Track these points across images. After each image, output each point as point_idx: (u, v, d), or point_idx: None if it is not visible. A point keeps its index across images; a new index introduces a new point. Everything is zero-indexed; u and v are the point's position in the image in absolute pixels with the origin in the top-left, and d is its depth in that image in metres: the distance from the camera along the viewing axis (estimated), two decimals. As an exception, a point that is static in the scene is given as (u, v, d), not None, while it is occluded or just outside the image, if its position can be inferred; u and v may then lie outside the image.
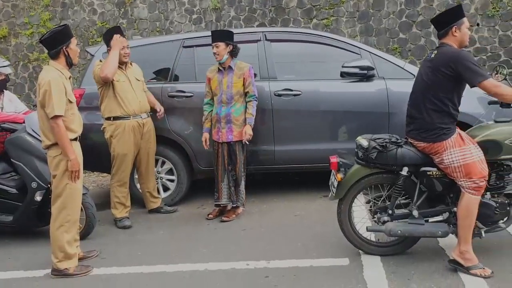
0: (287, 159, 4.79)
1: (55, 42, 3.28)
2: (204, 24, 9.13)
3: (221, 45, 4.17)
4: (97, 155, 4.51)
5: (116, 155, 4.33)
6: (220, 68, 4.26)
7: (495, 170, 3.08)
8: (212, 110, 4.36)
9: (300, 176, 5.68)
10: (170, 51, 4.91)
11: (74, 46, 3.33)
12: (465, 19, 3.00)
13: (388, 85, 4.60)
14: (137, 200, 4.81)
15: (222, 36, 4.24)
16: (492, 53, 8.31)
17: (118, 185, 4.40)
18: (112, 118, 4.29)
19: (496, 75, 3.42)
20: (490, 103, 3.36)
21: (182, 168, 4.81)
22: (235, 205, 4.38)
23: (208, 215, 4.46)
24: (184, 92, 4.75)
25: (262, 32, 4.94)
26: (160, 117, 4.55)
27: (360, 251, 3.35)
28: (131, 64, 4.44)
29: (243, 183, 4.37)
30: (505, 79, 3.37)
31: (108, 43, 4.26)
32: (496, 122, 3.17)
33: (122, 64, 4.31)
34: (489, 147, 3.00)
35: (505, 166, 3.09)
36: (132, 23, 9.24)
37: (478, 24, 8.34)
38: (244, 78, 4.25)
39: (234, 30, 4.55)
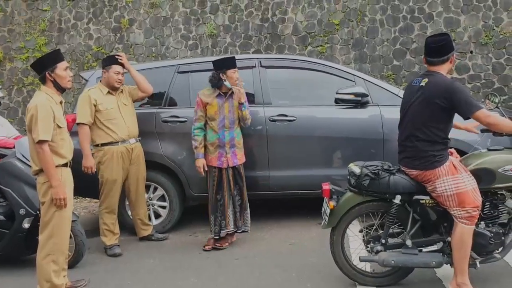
0: (282, 185, 4.74)
1: (41, 66, 3.26)
2: (200, 50, 9.19)
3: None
4: (88, 180, 4.41)
5: (104, 181, 4.27)
6: (221, 93, 4.20)
7: (489, 199, 3.04)
8: (203, 135, 4.25)
9: (296, 203, 5.62)
10: (165, 76, 4.90)
11: (61, 71, 3.26)
12: (455, 51, 3.02)
13: (382, 111, 4.60)
14: (129, 227, 4.72)
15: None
16: (486, 80, 8.38)
17: (107, 212, 4.32)
18: (100, 145, 4.25)
19: (488, 103, 3.40)
20: (483, 131, 3.34)
21: (175, 194, 4.74)
22: (240, 231, 4.31)
23: (205, 246, 4.31)
24: (178, 117, 4.72)
25: (257, 58, 4.96)
26: None
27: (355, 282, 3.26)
28: (122, 90, 4.41)
29: (248, 206, 4.34)
30: (497, 107, 3.35)
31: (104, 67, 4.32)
32: (489, 150, 3.14)
33: (114, 90, 4.29)
34: (483, 176, 2.96)
35: (499, 195, 3.06)
36: (128, 48, 9.28)
37: (471, 52, 8.44)
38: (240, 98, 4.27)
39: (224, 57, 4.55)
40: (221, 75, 4.13)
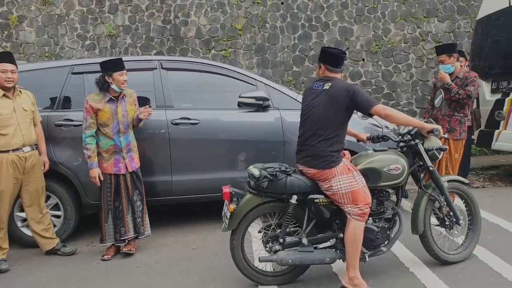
0: (185, 190, 4.67)
1: None
2: (98, 51, 8.79)
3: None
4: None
5: (-10, 192, 3.87)
6: (112, 97, 4.04)
7: (376, 196, 3.26)
8: (95, 142, 4.03)
9: (200, 207, 5.57)
10: (58, 77, 4.60)
11: None
12: None
13: (282, 115, 4.74)
14: (18, 239, 4.34)
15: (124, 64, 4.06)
16: (377, 86, 9.04)
17: (-6, 225, 3.93)
18: None
19: None
20: (363, 117, 3.53)
21: (70, 203, 4.46)
22: (143, 236, 4.18)
23: (104, 255, 4.11)
24: (72, 120, 4.45)
25: (158, 60, 4.85)
26: None
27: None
28: (20, 92, 4.04)
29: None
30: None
31: None
32: (375, 151, 3.37)
33: (6, 90, 3.91)
34: (370, 175, 3.18)
35: (384, 193, 3.29)
36: (17, 47, 8.60)
37: (363, 59, 9.05)
38: (135, 104, 4.17)
39: (129, 58, 4.39)
40: (107, 77, 3.96)
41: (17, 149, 3.92)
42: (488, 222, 4.55)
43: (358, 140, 3.68)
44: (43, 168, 4.16)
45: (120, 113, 4.04)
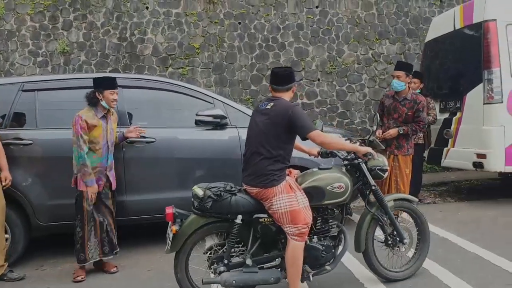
0: (141, 210, 4.57)
1: None
2: (50, 68, 8.56)
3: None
4: None
5: None
6: (105, 114, 4.06)
7: (320, 214, 3.27)
8: None
9: (155, 227, 5.45)
10: (7, 94, 4.44)
11: None
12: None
13: (240, 133, 4.75)
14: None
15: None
16: (331, 105, 9.25)
17: None
18: None
19: None
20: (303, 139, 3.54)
21: (18, 224, 4.26)
22: (115, 253, 4.15)
23: (77, 276, 3.94)
24: (21, 139, 4.29)
25: (113, 77, 4.75)
26: None
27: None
28: None
29: None
30: (321, 130, 3.67)
31: None
32: (320, 169, 3.36)
33: None
34: (314, 193, 3.17)
35: (329, 211, 3.30)
36: (-37, 63, 8.23)
37: (319, 79, 9.26)
38: (116, 122, 4.26)
39: (82, 75, 4.30)
40: (97, 94, 4.00)
41: None
42: (438, 236, 4.71)
43: (311, 155, 3.71)
44: (4, 183, 3.99)
45: (108, 131, 4.06)
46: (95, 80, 4.10)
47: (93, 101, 4.01)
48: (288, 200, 3.00)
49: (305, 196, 3.11)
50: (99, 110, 4.02)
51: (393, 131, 5.01)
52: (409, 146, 5.11)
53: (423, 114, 5.02)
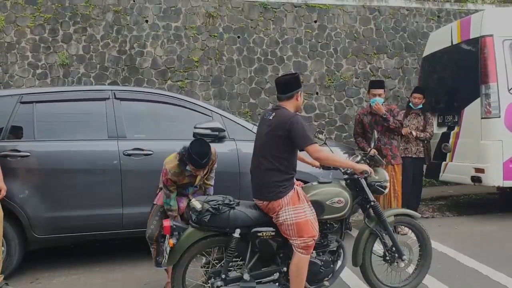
0: (138, 223, 4.52)
1: None
2: (50, 80, 8.57)
3: None
4: None
5: None
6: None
7: (320, 229, 3.19)
8: None
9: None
10: (5, 106, 4.43)
11: None
12: (302, 89, 3.23)
13: (238, 146, 4.74)
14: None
15: None
16: (330, 119, 9.27)
17: None
18: None
19: (316, 140, 3.56)
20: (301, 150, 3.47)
21: (13, 237, 4.22)
22: None
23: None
24: (19, 151, 4.27)
25: (111, 90, 4.77)
26: None
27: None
28: None
29: None
30: (324, 143, 3.63)
31: None
32: (319, 183, 3.33)
33: None
34: (313, 207, 3.12)
35: (328, 225, 3.25)
36: (-37, 74, 8.25)
37: (317, 93, 9.29)
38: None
39: (81, 87, 4.30)
40: (186, 162, 3.47)
41: None
42: (437, 251, 4.68)
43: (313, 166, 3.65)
44: None
45: (197, 180, 3.69)
46: (189, 154, 3.41)
47: (183, 159, 3.52)
48: (294, 212, 2.96)
49: (312, 208, 3.05)
50: (188, 170, 3.55)
51: (379, 107, 5.32)
52: (399, 153, 5.61)
53: (400, 117, 5.47)
